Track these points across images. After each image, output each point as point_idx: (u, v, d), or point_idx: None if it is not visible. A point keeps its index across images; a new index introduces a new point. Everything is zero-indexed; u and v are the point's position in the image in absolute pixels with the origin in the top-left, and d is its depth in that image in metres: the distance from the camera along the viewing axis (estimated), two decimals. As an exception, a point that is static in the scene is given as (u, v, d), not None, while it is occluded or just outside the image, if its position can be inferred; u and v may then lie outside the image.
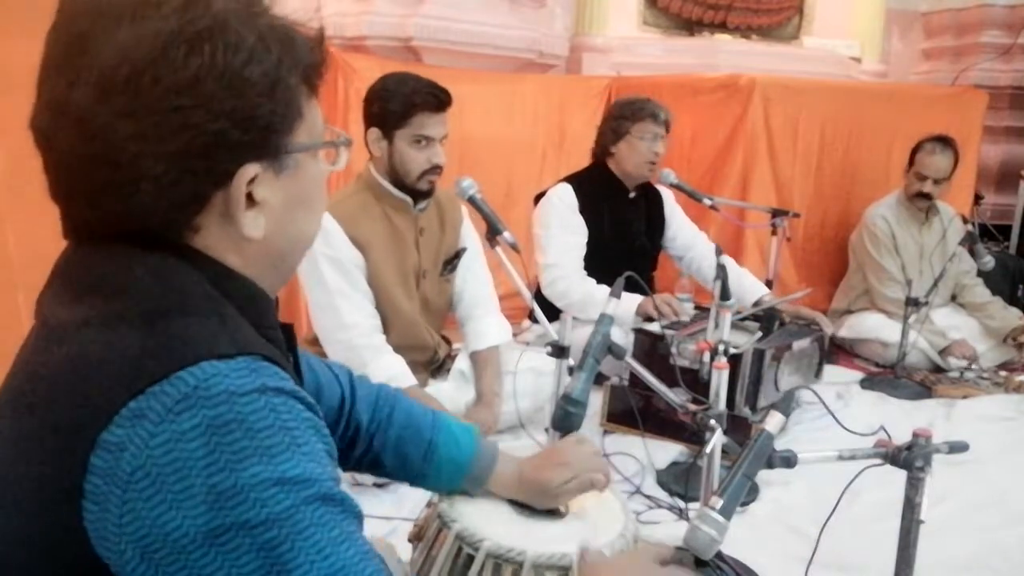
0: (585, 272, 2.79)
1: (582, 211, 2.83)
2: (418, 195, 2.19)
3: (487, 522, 1.06)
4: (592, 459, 1.13)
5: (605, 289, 2.66)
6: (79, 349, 0.66)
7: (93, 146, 0.66)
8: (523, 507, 1.11)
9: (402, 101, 2.09)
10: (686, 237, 3.06)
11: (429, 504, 1.14)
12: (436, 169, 2.14)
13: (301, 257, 0.82)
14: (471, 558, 1.01)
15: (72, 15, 0.68)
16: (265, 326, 0.75)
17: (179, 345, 0.64)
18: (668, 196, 3.07)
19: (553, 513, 1.11)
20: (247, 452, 0.62)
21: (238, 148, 0.69)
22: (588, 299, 2.67)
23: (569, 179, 2.92)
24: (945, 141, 3.30)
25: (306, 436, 0.66)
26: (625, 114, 2.85)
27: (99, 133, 0.66)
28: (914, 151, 3.36)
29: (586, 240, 2.83)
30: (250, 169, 0.70)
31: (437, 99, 2.10)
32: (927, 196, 3.32)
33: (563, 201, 2.83)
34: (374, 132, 2.14)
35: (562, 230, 2.81)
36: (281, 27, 0.72)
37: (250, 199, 0.72)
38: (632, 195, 2.95)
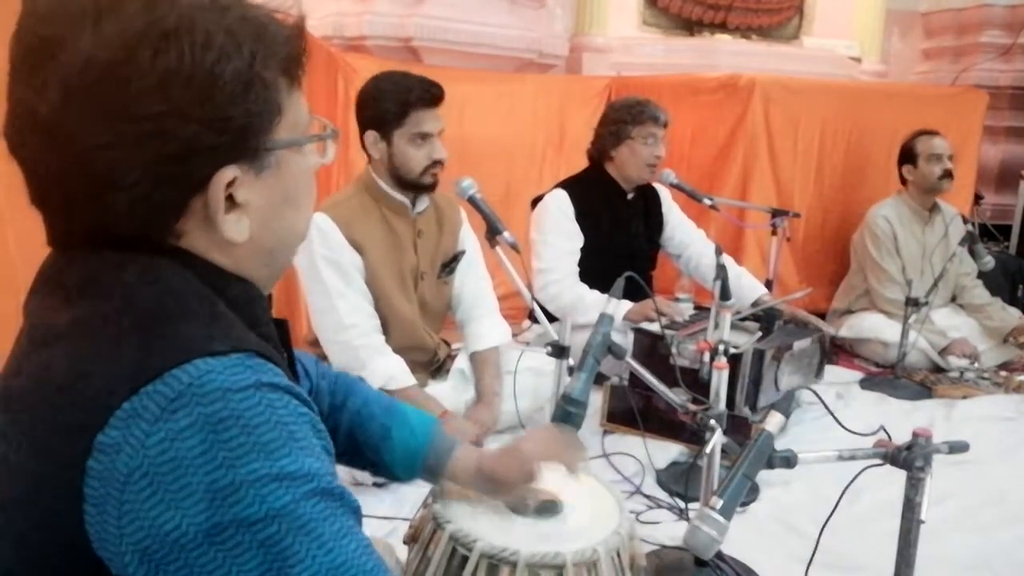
0: (579, 277, 2.80)
1: (579, 216, 2.82)
2: (422, 190, 2.19)
3: (481, 522, 1.06)
4: (546, 446, 1.12)
5: (596, 294, 2.70)
6: (71, 353, 0.65)
7: (62, 155, 0.65)
8: (517, 507, 1.11)
9: (397, 100, 2.08)
10: (684, 235, 3.05)
11: (425, 505, 1.14)
12: (438, 164, 2.15)
13: (293, 253, 0.80)
14: (465, 559, 1.00)
15: (35, 19, 0.65)
16: (258, 323, 0.74)
17: (171, 344, 0.64)
18: (665, 194, 3.06)
19: (547, 512, 1.11)
20: (244, 449, 0.61)
21: (213, 152, 0.67)
22: (578, 303, 2.67)
23: (565, 184, 2.91)
24: (930, 131, 3.36)
25: (303, 431, 0.66)
26: (625, 118, 2.82)
27: (67, 142, 0.64)
28: (908, 150, 3.37)
29: (581, 246, 2.83)
30: (228, 172, 0.68)
31: (431, 94, 2.10)
32: (950, 174, 3.31)
33: (560, 208, 2.82)
34: (371, 135, 2.14)
35: (557, 236, 2.81)
36: (254, 19, 0.69)
37: (232, 201, 0.70)
38: (630, 197, 2.94)
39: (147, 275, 0.68)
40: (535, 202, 2.94)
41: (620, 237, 2.89)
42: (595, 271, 2.74)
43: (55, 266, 0.72)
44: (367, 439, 1.10)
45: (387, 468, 1.12)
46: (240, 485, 0.61)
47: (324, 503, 0.65)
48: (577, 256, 2.82)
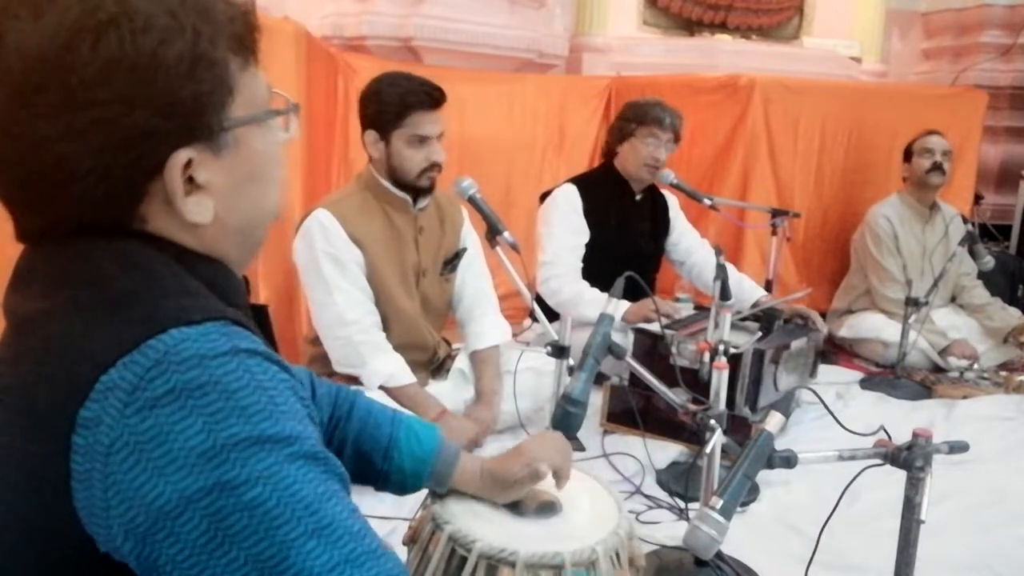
0: (582, 273, 2.80)
1: (587, 212, 2.84)
2: (419, 192, 2.19)
3: (480, 523, 1.06)
4: (548, 449, 1.12)
5: (595, 292, 2.71)
6: (51, 335, 0.65)
7: (16, 150, 0.65)
8: (516, 507, 1.11)
9: (396, 102, 2.09)
10: (689, 243, 3.07)
11: (423, 506, 1.14)
12: (435, 167, 2.15)
13: (265, 230, 0.80)
14: (464, 559, 1.00)
15: None
16: (233, 303, 0.74)
17: (146, 317, 0.64)
18: (673, 201, 3.09)
19: (546, 512, 1.11)
20: (224, 413, 0.61)
21: (164, 136, 0.67)
22: (578, 299, 2.68)
23: (576, 180, 2.94)
24: (932, 132, 3.37)
25: (284, 396, 0.66)
26: (630, 116, 2.87)
27: (19, 137, 0.64)
28: (908, 148, 3.40)
29: (586, 242, 2.84)
30: (182, 154, 0.68)
31: (431, 97, 2.11)
32: (939, 168, 3.30)
33: (568, 202, 2.84)
34: (371, 134, 2.15)
35: (563, 230, 2.82)
36: (197, 0, 0.69)
37: (193, 183, 0.70)
38: (638, 197, 2.96)
39: (118, 258, 0.68)
40: (544, 196, 2.95)
41: (626, 236, 2.90)
42: (600, 268, 2.75)
43: (31, 259, 0.72)
44: (375, 448, 1.09)
45: (394, 477, 1.10)
46: (221, 449, 0.61)
47: (308, 466, 0.65)
48: (581, 252, 2.83)
